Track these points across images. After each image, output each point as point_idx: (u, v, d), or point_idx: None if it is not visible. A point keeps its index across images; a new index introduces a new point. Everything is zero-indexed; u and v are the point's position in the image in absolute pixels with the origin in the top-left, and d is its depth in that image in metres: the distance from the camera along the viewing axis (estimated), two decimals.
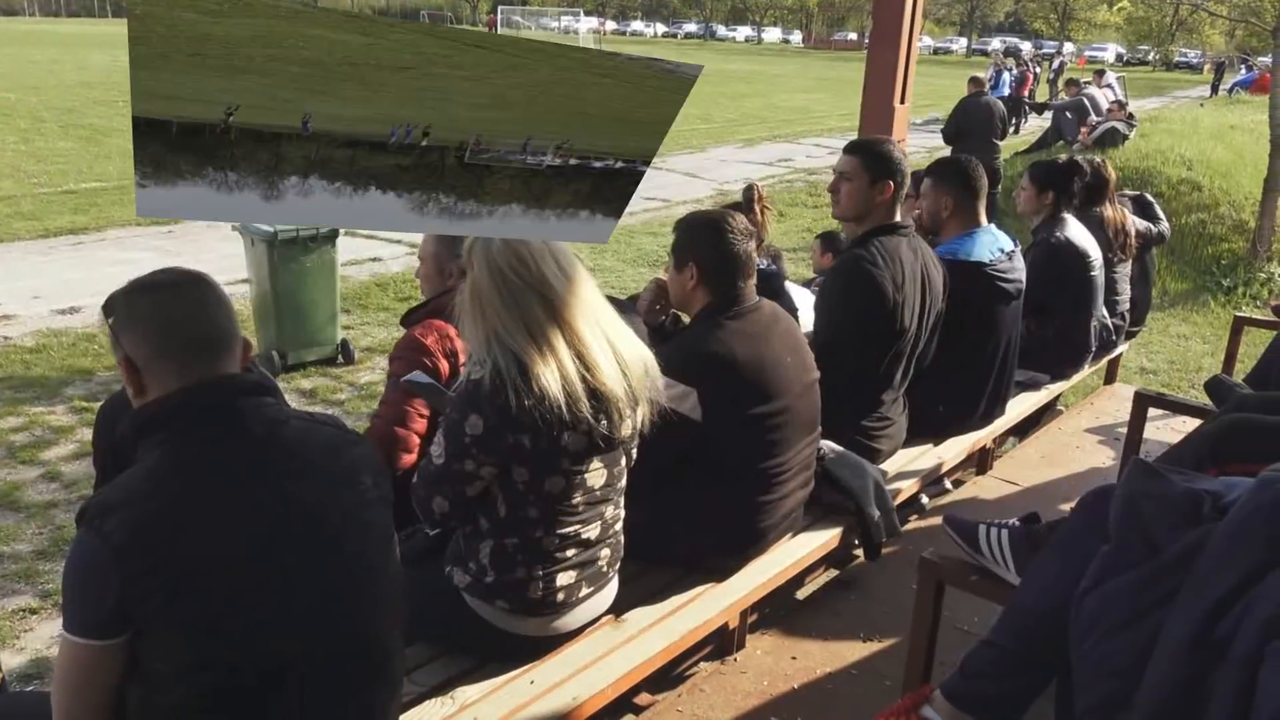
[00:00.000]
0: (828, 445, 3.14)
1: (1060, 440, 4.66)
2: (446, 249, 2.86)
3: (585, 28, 62.59)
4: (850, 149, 3.46)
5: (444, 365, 2.76)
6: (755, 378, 2.66)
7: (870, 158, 3.38)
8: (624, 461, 2.32)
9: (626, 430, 2.22)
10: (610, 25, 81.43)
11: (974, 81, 11.25)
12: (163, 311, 1.59)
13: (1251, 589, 1.35)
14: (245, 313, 6.23)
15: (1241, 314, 5.34)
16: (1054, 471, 4.28)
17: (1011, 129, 15.39)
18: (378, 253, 9.27)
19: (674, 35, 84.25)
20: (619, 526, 2.41)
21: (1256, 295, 9.22)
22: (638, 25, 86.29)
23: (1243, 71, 31.36)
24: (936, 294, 3.50)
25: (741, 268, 2.69)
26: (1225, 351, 5.10)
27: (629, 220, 11.49)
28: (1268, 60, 10.89)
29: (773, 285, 4.00)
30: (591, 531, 2.28)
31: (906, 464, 3.62)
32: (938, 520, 3.80)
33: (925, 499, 4.01)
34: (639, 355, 2.23)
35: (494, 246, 2.10)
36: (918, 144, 19.27)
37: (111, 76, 24.44)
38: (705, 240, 2.70)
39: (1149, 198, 5.42)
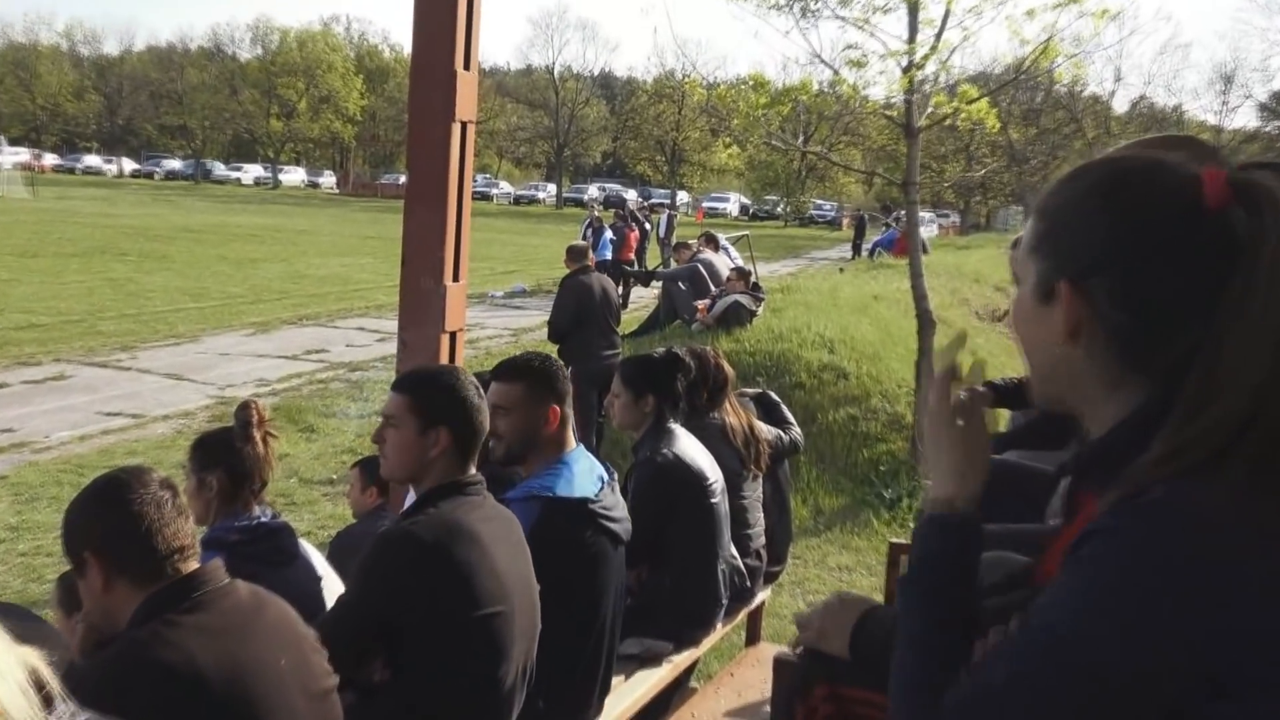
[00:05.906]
0: None
1: None
2: None
3: (12, 161, 60.21)
4: (398, 385, 3.50)
5: None
6: (229, 692, 2.51)
7: (421, 398, 3.42)
8: None
9: None
10: (51, 159, 79.25)
11: (573, 254, 11.56)
12: None
13: None
14: None
15: (898, 540, 5.95)
16: None
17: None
18: None
19: (150, 175, 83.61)
20: None
21: None
22: (94, 160, 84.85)
23: (885, 228, 36.06)
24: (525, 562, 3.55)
25: (167, 544, 2.53)
26: (885, 590, 5.63)
27: (79, 449, 10.85)
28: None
29: (281, 545, 3.90)
30: None
31: None
32: None
33: None
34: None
35: None
36: (499, 324, 20.31)
37: None
38: (102, 519, 2.55)
39: (774, 397, 5.99)
